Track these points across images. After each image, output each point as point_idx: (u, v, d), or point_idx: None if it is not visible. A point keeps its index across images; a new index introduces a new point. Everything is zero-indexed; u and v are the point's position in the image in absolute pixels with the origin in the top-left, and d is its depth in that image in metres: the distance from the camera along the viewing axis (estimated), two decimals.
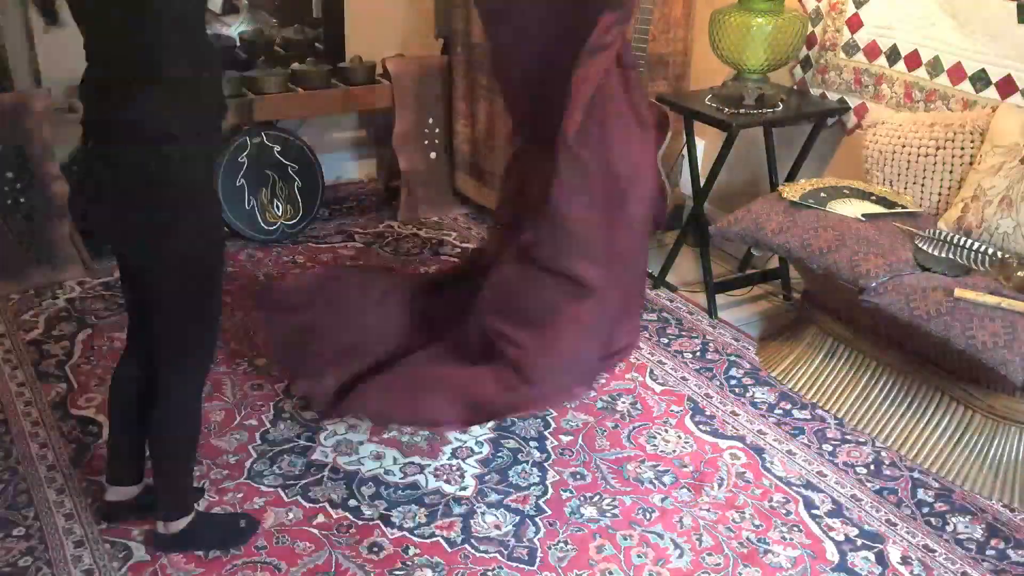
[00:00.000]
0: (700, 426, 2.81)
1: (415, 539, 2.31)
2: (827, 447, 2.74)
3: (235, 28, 4.20)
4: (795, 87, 3.60)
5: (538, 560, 2.27)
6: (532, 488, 2.52)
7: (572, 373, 2.43)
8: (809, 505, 2.50)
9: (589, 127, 2.25)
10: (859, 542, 2.38)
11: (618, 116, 2.32)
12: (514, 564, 2.26)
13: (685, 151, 3.60)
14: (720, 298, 3.49)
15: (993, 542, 2.40)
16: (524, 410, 2.59)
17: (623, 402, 2.90)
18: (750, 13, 3.24)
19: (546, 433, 2.73)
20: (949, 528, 2.44)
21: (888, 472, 2.64)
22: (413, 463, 2.58)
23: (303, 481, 2.48)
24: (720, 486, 2.56)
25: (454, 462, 2.59)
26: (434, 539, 2.32)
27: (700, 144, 3.79)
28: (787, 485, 2.57)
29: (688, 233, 3.64)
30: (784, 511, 2.47)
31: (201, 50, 1.86)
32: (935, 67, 3.09)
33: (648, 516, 2.44)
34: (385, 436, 2.67)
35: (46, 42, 3.57)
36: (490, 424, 2.71)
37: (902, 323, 2.56)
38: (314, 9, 4.29)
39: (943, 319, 2.45)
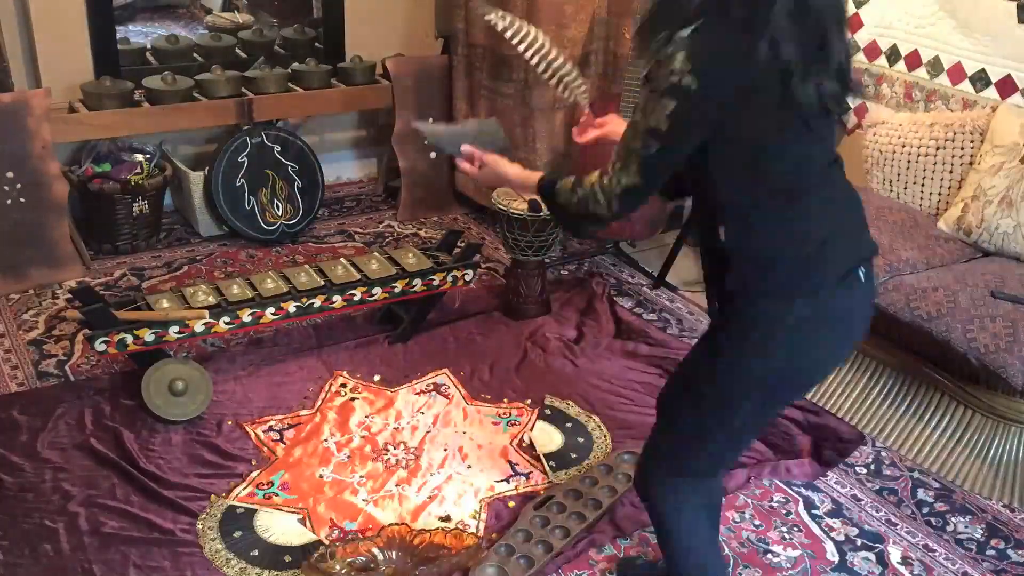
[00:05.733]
0: None
1: None
2: None
3: (234, 27, 4.20)
4: None
5: None
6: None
7: None
8: (809, 505, 2.50)
9: None
10: (859, 542, 2.38)
11: None
12: None
13: None
14: None
15: (993, 542, 2.40)
16: None
17: None
18: None
19: None
20: (949, 528, 2.44)
21: (888, 472, 2.64)
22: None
23: None
24: None
25: None
26: None
27: None
28: (787, 485, 2.57)
29: (688, 233, 3.64)
30: (784, 511, 2.47)
31: None
32: (935, 67, 3.09)
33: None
34: None
35: (46, 42, 3.58)
36: None
37: (902, 323, 2.56)
38: (314, 9, 4.29)
39: (943, 320, 2.45)
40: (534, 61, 2.11)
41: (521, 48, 2.13)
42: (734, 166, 1.56)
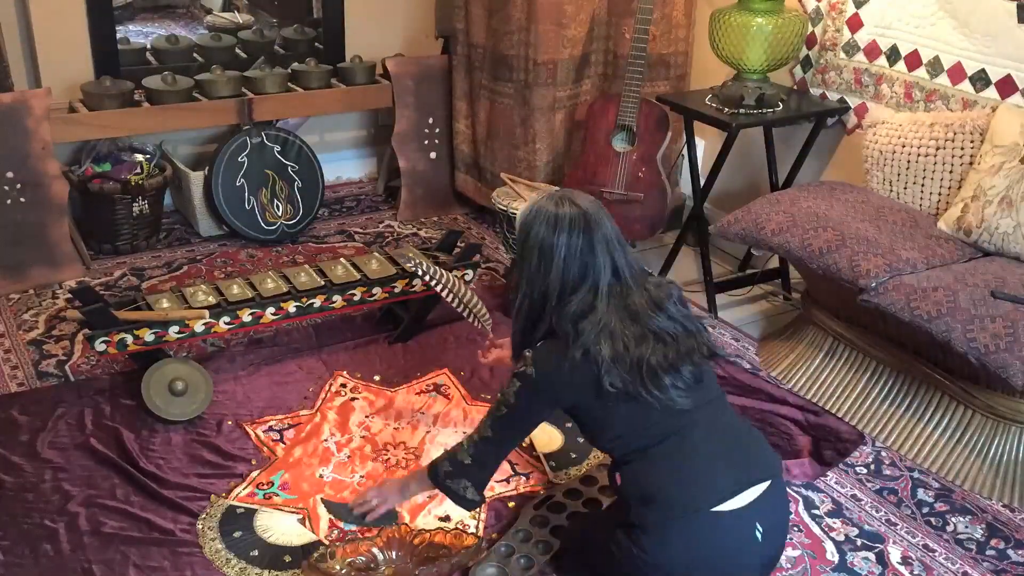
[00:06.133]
0: None
1: None
2: None
3: (234, 27, 4.20)
4: (795, 87, 3.60)
5: None
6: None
7: None
8: (809, 505, 2.50)
9: None
10: (859, 542, 2.38)
11: None
12: None
13: (685, 151, 3.60)
14: (720, 298, 3.49)
15: (993, 542, 2.40)
16: None
17: None
18: (750, 13, 3.24)
19: None
20: (949, 528, 2.44)
21: (888, 472, 2.64)
22: None
23: None
24: None
25: None
26: None
27: (700, 144, 3.79)
28: (787, 485, 2.56)
29: (688, 233, 3.64)
30: None
31: None
32: (935, 67, 3.09)
33: None
34: None
35: (46, 42, 3.58)
36: None
37: (902, 323, 2.56)
38: (314, 9, 4.29)
39: (944, 320, 2.44)
40: (447, 297, 2.70)
41: (437, 288, 2.70)
42: (594, 435, 2.03)
